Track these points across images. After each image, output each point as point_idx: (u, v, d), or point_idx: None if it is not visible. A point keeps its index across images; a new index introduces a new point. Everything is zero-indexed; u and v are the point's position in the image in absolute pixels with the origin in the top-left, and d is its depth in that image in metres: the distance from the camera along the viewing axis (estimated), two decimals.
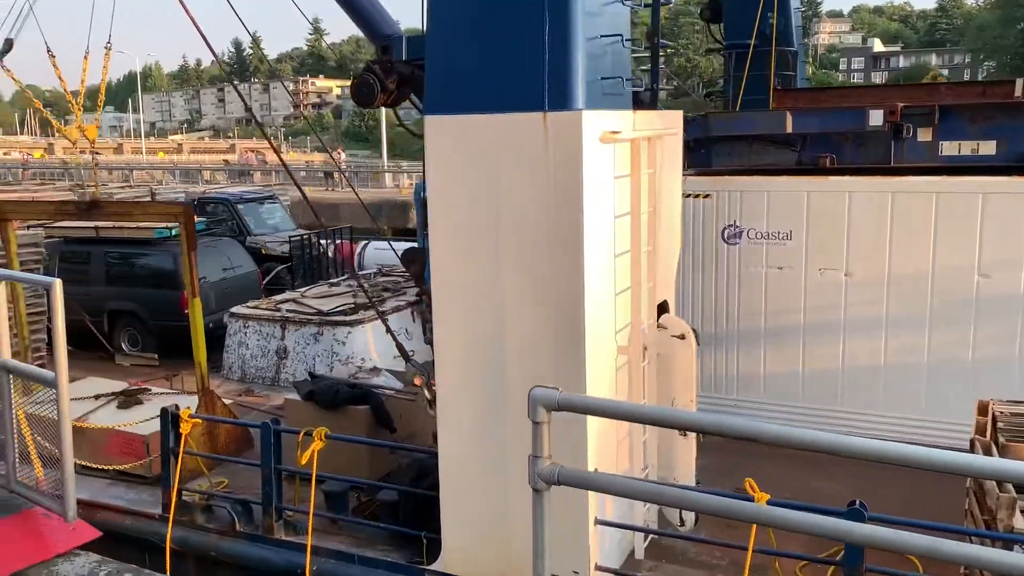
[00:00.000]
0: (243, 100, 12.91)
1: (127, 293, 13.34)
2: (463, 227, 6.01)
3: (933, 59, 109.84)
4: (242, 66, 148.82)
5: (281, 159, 11.73)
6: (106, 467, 8.36)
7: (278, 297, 12.81)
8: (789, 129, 9.83)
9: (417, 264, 8.44)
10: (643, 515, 6.65)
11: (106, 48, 13.94)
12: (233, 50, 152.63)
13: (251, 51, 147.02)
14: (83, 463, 7.67)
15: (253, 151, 72.44)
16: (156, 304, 13.02)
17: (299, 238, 16.28)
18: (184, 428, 7.58)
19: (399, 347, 8.58)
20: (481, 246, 5.94)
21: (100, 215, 10.01)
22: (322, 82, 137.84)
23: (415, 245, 9.12)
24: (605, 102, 5.94)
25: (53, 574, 4.94)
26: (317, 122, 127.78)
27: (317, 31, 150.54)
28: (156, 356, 12.85)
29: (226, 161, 58.29)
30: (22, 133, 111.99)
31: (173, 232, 12.98)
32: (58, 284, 4.90)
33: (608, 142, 5.84)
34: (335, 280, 14.28)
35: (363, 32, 8.45)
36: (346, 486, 7.49)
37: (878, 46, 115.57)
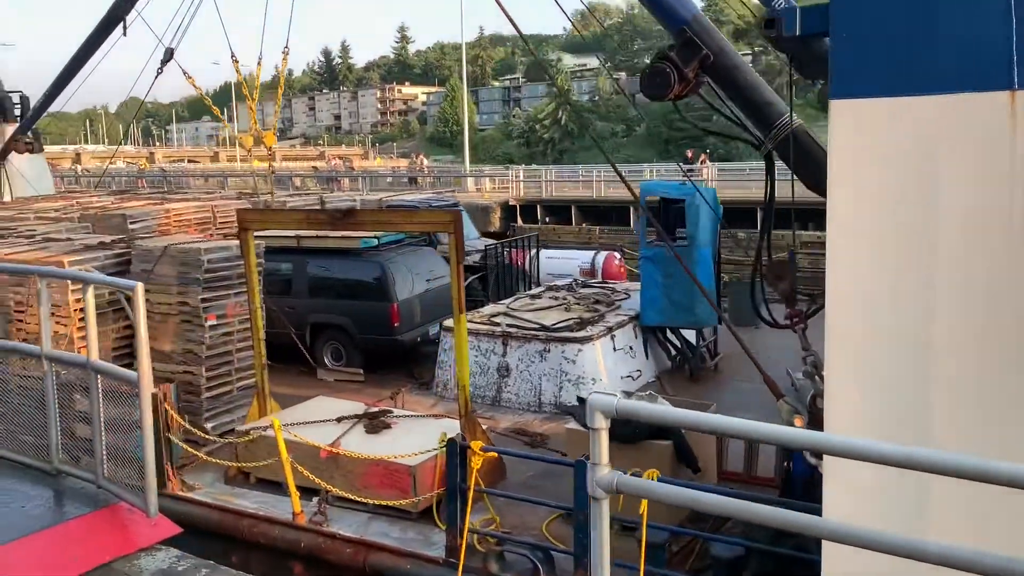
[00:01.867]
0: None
1: (331, 305, 12.52)
2: (878, 235, 4.72)
3: None
4: (331, 75, 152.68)
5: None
6: (366, 500, 7.49)
7: (487, 310, 11.95)
8: None
9: (787, 280, 7.25)
10: None
11: (283, 53, 14.44)
12: (323, 59, 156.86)
13: (340, 60, 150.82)
14: (339, 493, 7.47)
15: (341, 158, 74.23)
16: (363, 317, 12.21)
17: (493, 247, 15.39)
18: (475, 463, 6.61)
19: (769, 382, 7.27)
20: (906, 258, 4.63)
21: (354, 224, 9.12)
22: (408, 89, 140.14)
23: (779, 257, 7.76)
24: None
25: (136, 567, 5.11)
26: (403, 129, 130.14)
27: (403, 39, 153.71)
28: (361, 371, 12.05)
29: (315, 168, 59.83)
30: (125, 143, 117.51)
31: (380, 241, 12.66)
32: (140, 287, 5.08)
33: None
34: (534, 291, 13.38)
35: (659, 18, 7.58)
36: (666, 535, 6.28)
37: None
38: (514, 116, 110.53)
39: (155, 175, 53.65)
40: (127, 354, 9.44)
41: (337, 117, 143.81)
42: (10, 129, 23.28)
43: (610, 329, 10.82)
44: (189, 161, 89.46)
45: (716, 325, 11.82)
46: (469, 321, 10.80)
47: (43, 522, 5.38)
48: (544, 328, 10.67)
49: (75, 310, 8.87)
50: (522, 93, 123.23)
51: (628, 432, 6.85)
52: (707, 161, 40.33)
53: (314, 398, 9.59)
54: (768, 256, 7.46)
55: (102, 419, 5.55)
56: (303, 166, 67.47)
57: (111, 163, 40.30)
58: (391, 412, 8.79)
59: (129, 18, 17.11)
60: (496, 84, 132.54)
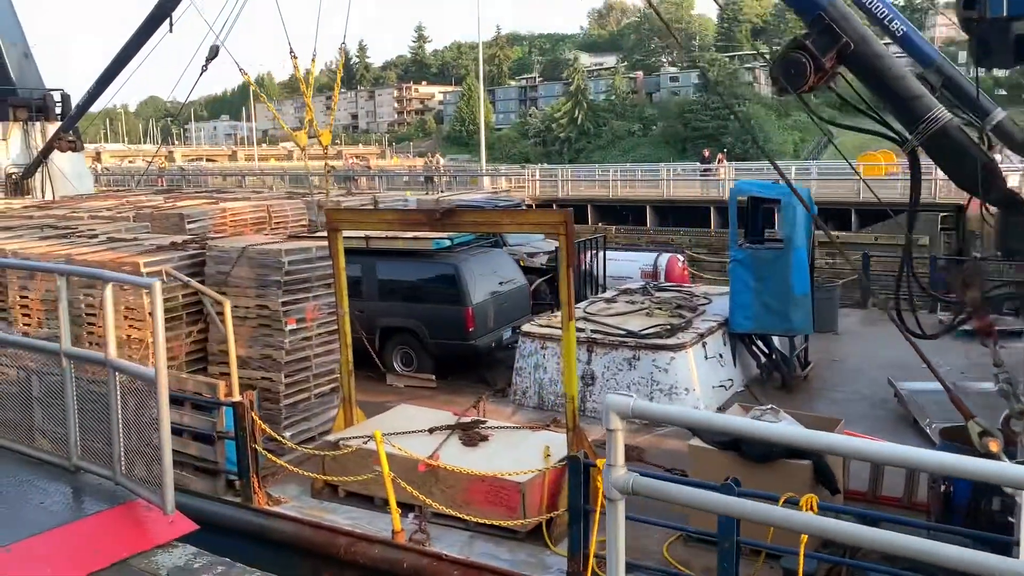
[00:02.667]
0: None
1: (402, 309, 11.97)
2: None
3: None
4: (349, 74, 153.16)
5: None
6: (469, 517, 6.98)
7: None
8: None
9: (975, 286, 6.40)
10: None
11: (341, 48, 14.44)
12: (340, 59, 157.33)
13: (358, 60, 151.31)
14: (441, 509, 7.01)
15: (358, 157, 74.47)
16: (436, 321, 11.68)
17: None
18: (600, 482, 5.81)
19: (955, 400, 6.41)
20: None
21: (454, 225, 8.47)
22: (424, 88, 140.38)
23: (969, 259, 7.09)
24: None
25: (153, 564, 5.14)
26: (419, 128, 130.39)
27: (420, 38, 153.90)
28: (433, 377, 11.63)
29: (332, 167, 60.03)
30: (145, 142, 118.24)
31: (454, 242, 12.17)
32: (157, 284, 5.10)
33: None
34: (606, 295, 12.78)
35: (791, 4, 7.17)
36: (814, 565, 5.60)
37: None
38: (530, 115, 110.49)
39: (174, 173, 53.95)
40: (201, 358, 9.33)
41: (354, 116, 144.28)
42: (51, 127, 23.38)
43: (701, 336, 10.27)
44: (207, 160, 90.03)
45: (810, 332, 11.22)
46: (547, 326, 10.67)
47: (62, 518, 5.42)
48: (632, 334, 10.07)
49: (150, 313, 8.69)
50: (538, 92, 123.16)
51: (762, 451, 6.38)
52: (724, 160, 40.11)
53: (396, 407, 9.12)
54: (909, 259, 6.98)
55: (120, 417, 5.57)
56: (321, 165, 67.60)
57: (130, 161, 40.60)
58: (484, 423, 8.28)
59: (176, 14, 17.06)
60: (512, 83, 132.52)
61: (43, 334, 8.82)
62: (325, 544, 7.09)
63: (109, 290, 5.68)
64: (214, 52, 16.18)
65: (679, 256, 17.55)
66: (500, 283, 12.56)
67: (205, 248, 9.62)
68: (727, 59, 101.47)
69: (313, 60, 15.13)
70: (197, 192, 21.26)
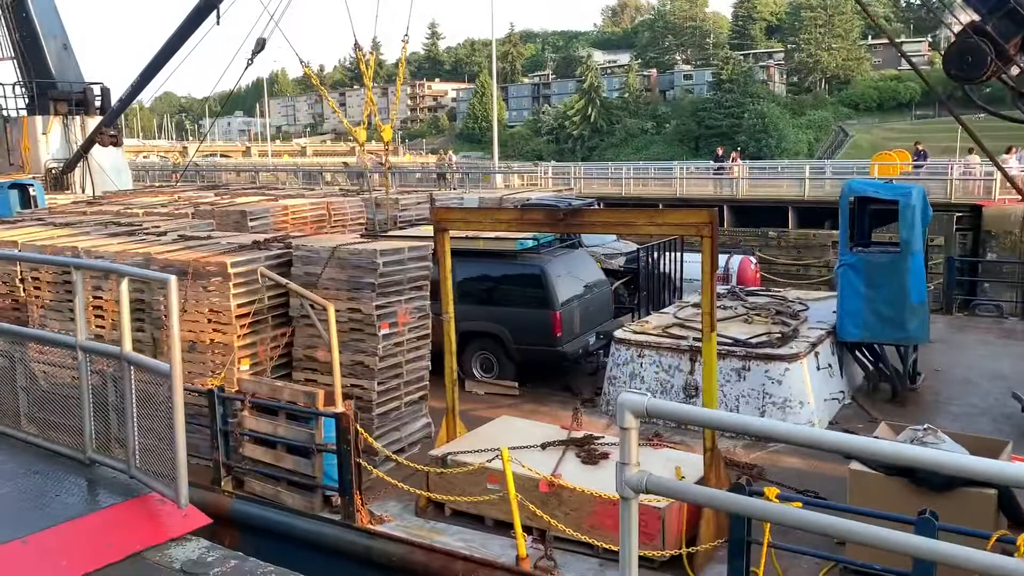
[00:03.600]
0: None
1: (484, 312, 11.30)
2: None
3: None
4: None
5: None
6: (597, 543, 6.46)
7: (653, 320, 10.74)
8: None
9: None
10: None
11: (403, 41, 14.34)
12: (353, 55, 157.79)
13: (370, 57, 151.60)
14: (568, 533, 6.53)
15: (372, 153, 74.60)
16: (521, 325, 11.10)
17: (644, 250, 13.97)
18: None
19: None
20: None
21: (579, 226, 7.93)
22: (438, 85, 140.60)
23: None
24: None
25: (167, 557, 5.16)
26: (432, 125, 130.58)
27: (434, 35, 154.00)
28: (516, 384, 11.15)
29: (345, 163, 60.20)
30: (159, 137, 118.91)
31: (540, 241, 11.67)
32: (173, 280, 5.13)
33: None
34: (694, 299, 11.97)
35: None
36: None
37: None
38: (543, 113, 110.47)
39: (188, 169, 54.16)
40: (286, 363, 8.95)
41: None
42: (91, 122, 23.01)
43: (813, 345, 9.67)
44: (222, 155, 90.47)
45: (926, 342, 10.61)
46: (642, 332, 10.00)
47: (76, 510, 5.46)
48: (741, 343, 9.46)
49: (236, 316, 8.38)
50: (551, 90, 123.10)
51: (942, 481, 5.76)
52: (738, 159, 39.95)
53: (498, 419, 8.61)
54: None
55: (135, 410, 5.60)
56: (334, 162, 67.90)
57: (145, 156, 40.76)
58: (600, 438, 7.65)
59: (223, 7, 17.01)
60: (525, 80, 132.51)
61: (116, 337, 8.61)
62: (441, 569, 6.47)
63: (125, 284, 5.71)
64: (260, 45, 16.05)
65: (751, 258, 16.58)
66: (585, 286, 12.00)
67: (290, 248, 9.13)
68: (741, 57, 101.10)
69: (372, 52, 15.07)
70: (246, 189, 20.87)
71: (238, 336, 8.37)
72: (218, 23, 17.21)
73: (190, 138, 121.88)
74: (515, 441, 7.41)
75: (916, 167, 32.91)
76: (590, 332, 11.71)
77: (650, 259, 13.86)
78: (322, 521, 7.26)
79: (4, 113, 23.95)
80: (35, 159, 22.84)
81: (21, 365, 6.67)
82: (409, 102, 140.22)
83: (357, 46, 14.16)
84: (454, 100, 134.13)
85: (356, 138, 15.43)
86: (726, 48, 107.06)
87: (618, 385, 9.95)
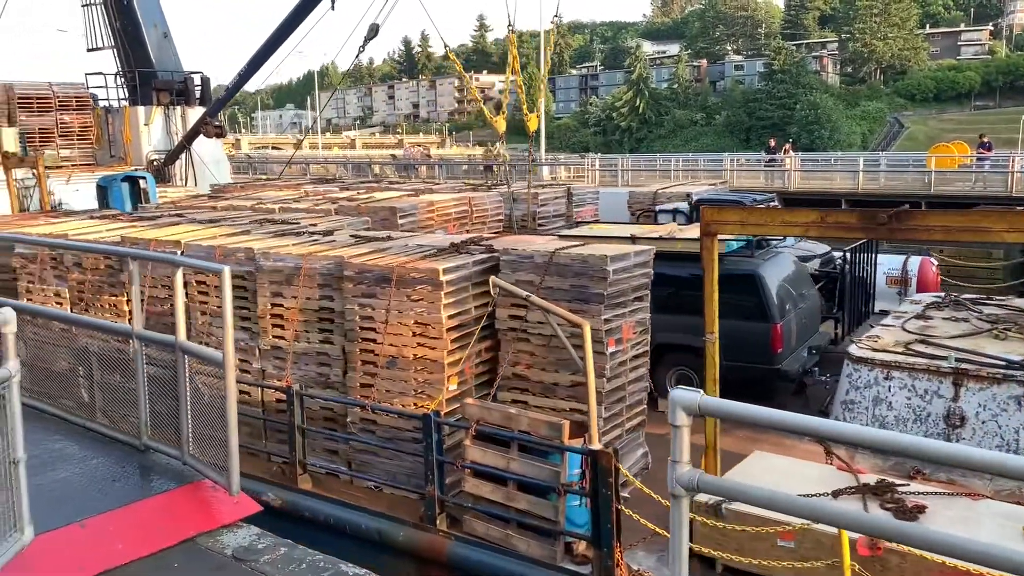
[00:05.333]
0: None
1: (684, 323, 9.70)
2: None
3: None
4: (411, 63, 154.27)
5: None
6: None
7: (887, 337, 9.12)
8: None
9: None
10: None
11: (553, 21, 13.95)
12: (403, 48, 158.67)
13: (419, 49, 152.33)
14: None
15: (419, 146, 75.06)
16: (731, 339, 9.37)
17: (850, 251, 12.48)
18: None
19: None
20: None
21: (911, 231, 5.71)
22: (485, 77, 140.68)
23: None
24: None
25: (218, 543, 5.26)
26: (479, 116, 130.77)
27: (482, 27, 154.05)
28: None
29: (393, 156, 60.62)
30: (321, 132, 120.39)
31: (751, 243, 10.47)
32: (227, 271, 5.21)
33: None
34: (912, 309, 10.67)
35: None
36: None
37: None
38: (591, 104, 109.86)
39: (240, 160, 55.03)
40: (488, 381, 8.05)
41: (415, 105, 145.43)
42: (191, 112, 22.26)
43: None
44: (273, 147, 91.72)
45: None
46: (884, 350, 8.61)
47: (131, 496, 5.59)
48: (1014, 365, 8.01)
49: (447, 329, 7.54)
50: (599, 81, 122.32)
51: None
52: (790, 151, 39.27)
53: (752, 455, 7.38)
54: None
55: (189, 398, 5.71)
56: (382, 154, 68.45)
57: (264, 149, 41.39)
58: (901, 484, 6.46)
59: None
60: (573, 72, 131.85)
61: (299, 348, 8.32)
62: None
63: (180, 275, 5.82)
64: (374, 31, 15.67)
65: (932, 260, 15.10)
66: (798, 293, 10.63)
67: (493, 251, 8.18)
68: (794, 47, 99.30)
69: (511, 28, 14.20)
70: (358, 181, 20.06)
71: (448, 352, 7.56)
72: (332, 7, 16.34)
73: (242, 131, 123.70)
74: (792, 486, 5.90)
75: (980, 160, 31.92)
76: (803, 346, 10.42)
77: (854, 262, 12.42)
78: (567, 574, 6.42)
79: (105, 103, 23.22)
80: (137, 150, 22.07)
81: (87, 355, 6.82)
82: (456, 95, 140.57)
83: (510, 27, 13.70)
84: (501, 92, 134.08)
85: (496, 127, 14.93)
86: (778, 38, 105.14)
87: (857, 412, 8.59)
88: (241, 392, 8.07)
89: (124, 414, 6.32)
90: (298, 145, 39.23)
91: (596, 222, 15.40)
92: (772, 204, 15.45)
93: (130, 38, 22.40)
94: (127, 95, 22.87)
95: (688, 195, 16.23)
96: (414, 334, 7.67)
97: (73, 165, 20.95)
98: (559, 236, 9.81)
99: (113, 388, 6.47)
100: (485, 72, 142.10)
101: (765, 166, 37.15)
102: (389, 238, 9.26)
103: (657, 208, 15.89)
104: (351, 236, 9.51)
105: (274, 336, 8.61)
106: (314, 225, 10.42)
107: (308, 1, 16.72)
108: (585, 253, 7.66)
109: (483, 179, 37.01)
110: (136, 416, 6.14)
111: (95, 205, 16.74)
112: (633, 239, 9.99)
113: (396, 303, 7.70)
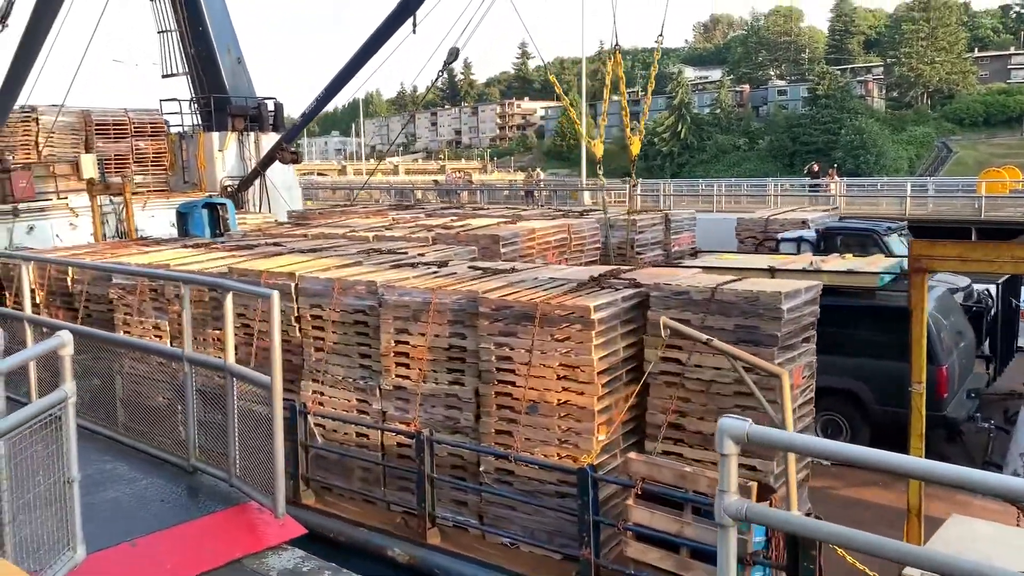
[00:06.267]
0: None
1: (831, 364, 8.58)
2: None
3: None
4: (453, 90, 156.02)
5: None
6: None
7: None
8: None
9: None
10: None
11: (656, 42, 13.75)
12: (446, 76, 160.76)
13: (462, 77, 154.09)
14: None
15: (460, 171, 75.64)
16: (889, 382, 8.80)
17: (1001, 286, 11.51)
18: None
19: None
20: None
21: None
22: (527, 104, 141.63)
23: None
24: None
25: (264, 565, 5.32)
26: (520, 142, 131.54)
27: (524, 55, 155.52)
28: None
29: (436, 182, 61.17)
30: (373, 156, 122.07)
31: (905, 273, 9.29)
32: (275, 295, 5.30)
33: None
34: None
35: None
36: None
37: None
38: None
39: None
40: (633, 430, 7.35)
41: (457, 132, 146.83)
42: (265, 138, 22.17)
43: None
44: (318, 174, 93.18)
45: None
46: None
47: (180, 516, 5.68)
48: None
49: (598, 372, 6.82)
50: (641, 106, 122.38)
51: None
52: (835, 176, 38.82)
53: (950, 520, 5.93)
54: None
55: (236, 421, 5.80)
56: (425, 180, 69.11)
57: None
58: None
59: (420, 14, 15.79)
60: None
61: (426, 390, 7.63)
62: None
63: (229, 300, 5.94)
64: (454, 55, 15.63)
65: None
66: (957, 331, 9.75)
67: (640, 285, 7.48)
68: (838, 72, 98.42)
69: (616, 50, 14.39)
70: (443, 208, 19.69)
71: (598, 398, 6.82)
72: (414, 31, 16.08)
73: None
74: (1012, 560, 4.90)
75: None
76: (962, 390, 9.60)
77: (1005, 297, 11.58)
78: None
79: (179, 130, 23.31)
80: (211, 176, 21.97)
81: (139, 379, 6.97)
82: (498, 120, 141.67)
83: (617, 48, 13.85)
84: (543, 118, 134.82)
85: (593, 152, 14.96)
86: (822, 63, 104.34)
87: None
88: (359, 435, 8.06)
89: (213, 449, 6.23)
90: (372, 172, 39.83)
91: (696, 251, 14.84)
92: (904, 233, 14.63)
93: (204, 64, 22.38)
94: (200, 121, 22.93)
95: (804, 222, 15.53)
96: (559, 377, 6.94)
97: (148, 191, 20.90)
98: (703, 269, 9.07)
99: (209, 425, 6.37)
100: (527, 99, 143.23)
101: (809, 190, 36.77)
102: (514, 270, 8.61)
103: (780, 236, 15.15)
104: (470, 267, 8.89)
105: (398, 375, 7.88)
106: (422, 255, 9.75)
107: (389, 25, 16.59)
108: (755, 289, 6.88)
109: (524, 204, 37.15)
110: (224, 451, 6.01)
111: (170, 231, 16.61)
112: (772, 271, 9.22)
113: (539, 343, 6.98)
